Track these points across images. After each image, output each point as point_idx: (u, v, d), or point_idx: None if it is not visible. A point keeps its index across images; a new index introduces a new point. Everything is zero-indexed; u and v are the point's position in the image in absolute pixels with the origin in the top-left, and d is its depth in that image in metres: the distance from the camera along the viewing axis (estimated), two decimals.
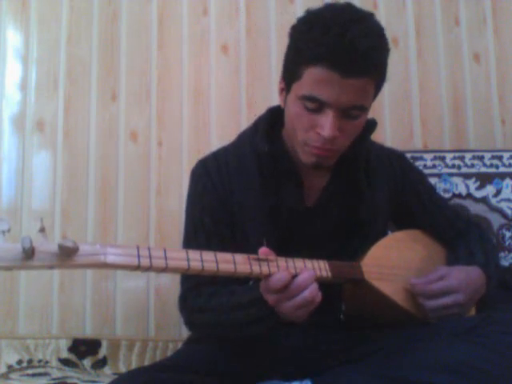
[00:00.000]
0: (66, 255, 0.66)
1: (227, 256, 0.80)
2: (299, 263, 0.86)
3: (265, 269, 0.81)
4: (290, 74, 0.96)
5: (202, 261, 0.76)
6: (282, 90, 1.02)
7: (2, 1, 1.77)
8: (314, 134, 0.94)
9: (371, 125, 1.07)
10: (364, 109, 0.94)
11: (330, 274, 0.89)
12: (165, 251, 0.74)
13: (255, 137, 1.06)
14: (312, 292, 0.81)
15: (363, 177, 1.07)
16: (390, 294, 0.97)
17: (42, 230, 0.66)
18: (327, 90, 0.89)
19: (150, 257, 0.72)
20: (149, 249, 0.73)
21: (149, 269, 0.73)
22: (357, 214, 1.07)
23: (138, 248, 0.72)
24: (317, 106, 0.91)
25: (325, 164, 0.98)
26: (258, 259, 0.81)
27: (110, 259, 0.69)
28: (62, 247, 0.65)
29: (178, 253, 0.76)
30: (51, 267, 0.66)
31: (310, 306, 0.82)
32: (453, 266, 1.04)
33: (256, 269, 0.80)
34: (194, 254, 0.77)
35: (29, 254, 0.63)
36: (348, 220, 1.08)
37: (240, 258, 0.80)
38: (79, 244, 0.67)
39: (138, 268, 0.72)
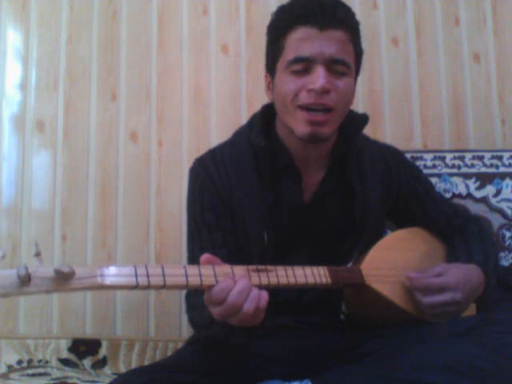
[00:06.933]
0: (63, 279, 0.65)
1: (226, 268, 0.78)
2: (298, 271, 0.85)
3: (264, 279, 0.81)
4: (273, 56, 0.99)
5: (200, 275, 0.75)
6: (268, 84, 1.04)
7: (2, 1, 1.77)
8: (304, 92, 0.95)
9: (363, 119, 1.07)
10: (348, 65, 0.96)
11: (329, 280, 0.89)
12: (163, 268, 0.73)
13: (251, 133, 1.06)
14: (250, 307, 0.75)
15: (355, 176, 1.07)
16: (390, 296, 0.97)
17: (38, 254, 0.66)
18: (310, 45, 0.93)
19: (148, 275, 0.72)
20: (146, 267, 0.72)
21: (147, 287, 0.72)
22: (349, 213, 1.07)
23: (135, 267, 0.72)
24: (304, 66, 0.94)
25: (321, 133, 0.97)
26: (257, 270, 0.81)
27: (108, 281, 0.69)
28: (58, 272, 0.64)
29: (176, 269, 0.75)
30: (48, 292, 0.66)
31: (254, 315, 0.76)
32: (451, 264, 1.03)
33: (255, 280, 0.80)
34: (192, 269, 0.75)
35: (25, 280, 0.63)
36: (342, 218, 1.08)
37: (239, 269, 0.79)
38: (75, 268, 0.66)
39: (136, 287, 0.71)
